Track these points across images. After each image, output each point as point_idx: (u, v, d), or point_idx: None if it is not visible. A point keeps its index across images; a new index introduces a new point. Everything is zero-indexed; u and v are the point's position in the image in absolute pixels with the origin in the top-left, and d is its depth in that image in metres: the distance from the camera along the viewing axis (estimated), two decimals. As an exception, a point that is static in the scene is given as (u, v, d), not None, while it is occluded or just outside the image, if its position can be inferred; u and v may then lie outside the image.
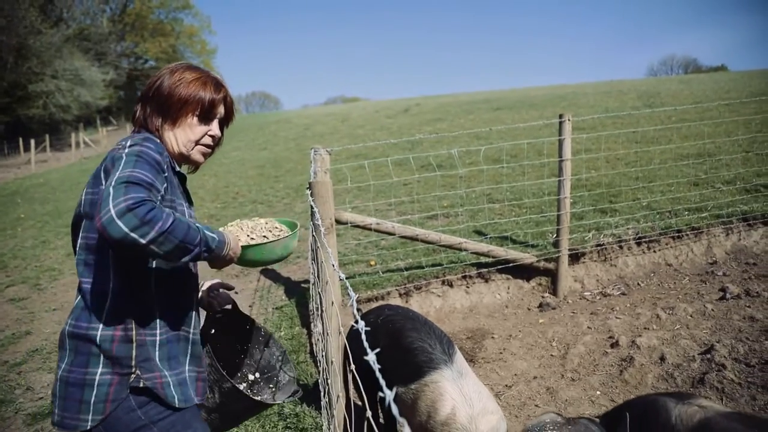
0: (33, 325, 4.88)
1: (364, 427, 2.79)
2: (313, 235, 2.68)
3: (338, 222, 4.18)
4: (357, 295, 1.11)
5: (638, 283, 5.14)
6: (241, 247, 1.55)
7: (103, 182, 1.41)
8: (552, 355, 4.02)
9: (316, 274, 2.49)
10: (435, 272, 5.11)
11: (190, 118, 1.56)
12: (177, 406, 1.46)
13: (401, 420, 0.68)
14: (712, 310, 4.25)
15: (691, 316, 4.24)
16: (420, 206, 7.12)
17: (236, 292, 1.87)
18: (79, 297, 1.46)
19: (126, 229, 1.17)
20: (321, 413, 2.90)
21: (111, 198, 1.20)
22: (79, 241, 1.47)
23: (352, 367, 1.22)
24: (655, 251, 5.49)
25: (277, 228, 1.73)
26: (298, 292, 5.06)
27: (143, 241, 1.20)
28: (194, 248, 1.32)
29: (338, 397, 1.77)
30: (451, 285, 5.14)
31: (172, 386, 1.47)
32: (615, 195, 6.56)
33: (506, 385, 3.67)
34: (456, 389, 2.21)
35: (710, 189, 6.38)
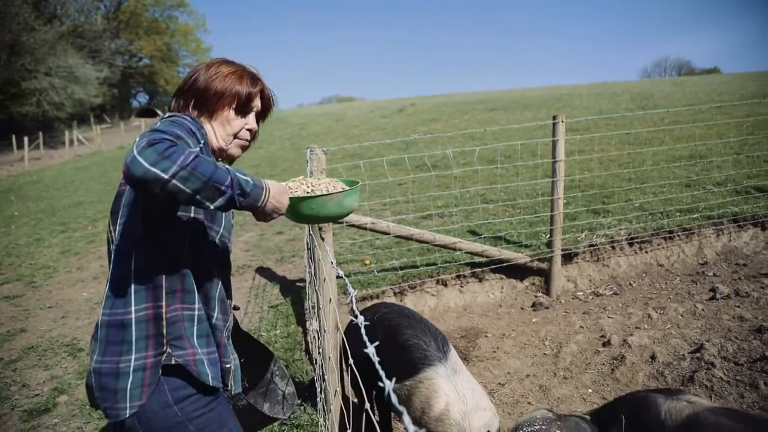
0: (28, 323, 4.89)
1: (361, 422, 2.83)
2: (310, 234, 2.71)
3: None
4: (355, 292, 1.14)
5: (630, 283, 5.20)
6: (291, 199, 1.45)
7: None
8: (545, 354, 4.07)
9: (313, 272, 2.52)
10: (429, 271, 5.15)
11: (226, 111, 1.57)
12: (210, 384, 1.45)
13: (401, 408, 0.72)
14: (703, 309, 4.31)
15: (681, 315, 4.30)
16: (415, 206, 7.16)
17: (237, 308, 1.86)
18: (112, 285, 1.44)
19: (146, 164, 1.16)
20: (317, 410, 2.94)
21: (135, 144, 1.20)
22: (117, 228, 1.45)
23: (351, 361, 1.25)
24: (647, 252, 5.56)
25: (339, 188, 1.56)
26: (293, 291, 5.09)
27: (165, 176, 1.16)
28: (226, 189, 1.25)
29: (336, 392, 1.80)
30: (445, 284, 5.19)
31: (205, 364, 1.46)
32: (608, 196, 6.63)
33: (499, 383, 3.72)
34: (450, 386, 2.25)
35: (701, 190, 6.45)
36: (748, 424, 1.73)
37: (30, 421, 3.26)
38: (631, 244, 5.52)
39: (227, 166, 1.32)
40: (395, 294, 5.00)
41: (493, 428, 2.14)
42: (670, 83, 27.29)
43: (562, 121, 4.88)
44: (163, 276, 1.43)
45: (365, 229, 4.58)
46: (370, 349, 0.89)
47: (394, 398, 0.77)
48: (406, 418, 0.72)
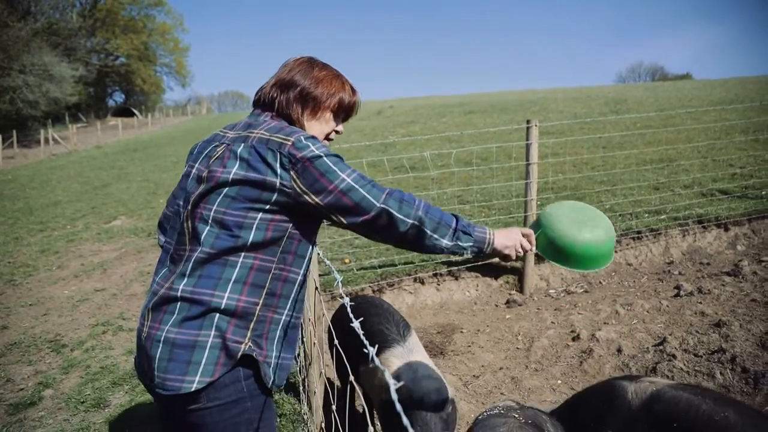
0: (9, 320, 4.92)
1: (341, 409, 2.97)
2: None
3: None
4: (341, 277, 1.27)
5: (600, 282, 5.42)
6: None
7: (264, 168, 1.45)
8: (517, 348, 4.25)
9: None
10: (407, 270, 5.30)
11: (328, 113, 1.67)
12: (268, 386, 1.51)
13: (382, 368, 0.86)
14: (667, 306, 4.54)
15: (647, 311, 4.51)
16: (393, 207, 7.30)
17: None
18: (201, 263, 1.46)
19: (400, 216, 1.46)
20: (299, 400, 3.07)
21: (370, 196, 1.45)
22: (212, 213, 1.47)
23: (336, 342, 1.38)
24: (616, 251, 5.78)
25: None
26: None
27: (408, 228, 1.49)
28: (445, 240, 1.55)
29: (321, 373, 1.94)
30: (422, 282, 5.35)
31: (272, 367, 1.52)
32: (580, 198, 6.85)
33: (474, 376, 3.88)
34: (402, 361, 2.43)
35: (669, 193, 6.72)
36: (702, 395, 1.92)
37: (16, 414, 3.32)
38: (601, 244, 5.73)
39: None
40: (374, 292, 5.14)
41: (440, 395, 2.28)
42: (643, 88, 27.92)
43: (536, 125, 5.08)
44: (269, 277, 1.49)
45: (345, 228, 4.71)
46: (355, 324, 1.03)
47: (376, 360, 0.90)
48: (387, 375, 0.85)
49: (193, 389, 1.39)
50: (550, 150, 9.86)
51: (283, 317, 1.53)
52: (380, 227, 1.48)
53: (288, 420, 2.96)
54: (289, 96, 1.62)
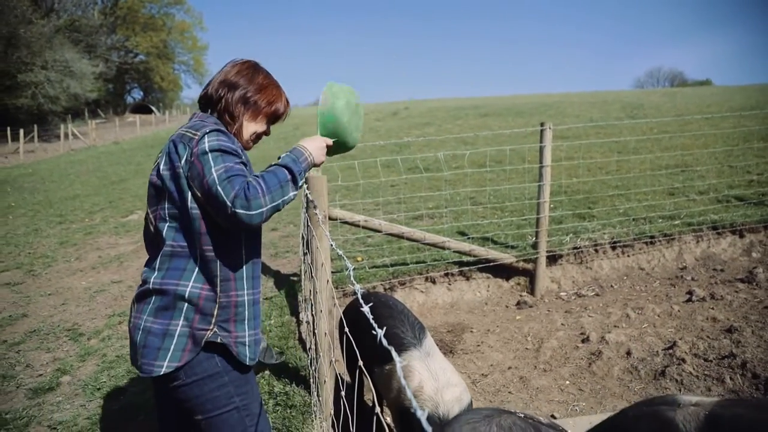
0: (29, 308, 5.03)
1: (350, 402, 3.01)
2: (307, 226, 2.89)
3: (329, 218, 4.39)
4: (353, 267, 1.32)
5: (611, 285, 5.42)
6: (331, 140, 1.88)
7: (177, 162, 1.61)
8: (526, 349, 4.27)
9: (309, 261, 2.70)
10: (419, 269, 5.34)
11: (264, 117, 1.84)
12: (247, 363, 1.69)
13: (394, 354, 0.90)
14: (678, 311, 4.53)
15: (658, 316, 4.51)
16: (406, 207, 7.36)
17: None
18: (168, 257, 1.64)
19: (251, 214, 1.50)
20: (309, 392, 3.12)
21: (225, 193, 1.51)
22: (166, 210, 1.64)
23: (346, 329, 1.43)
24: (629, 256, 5.77)
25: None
26: (287, 284, 5.26)
27: (264, 215, 1.53)
28: (290, 182, 1.62)
29: (331, 363, 1.99)
30: (433, 282, 5.38)
31: (246, 345, 1.70)
32: (594, 201, 6.85)
33: (482, 374, 3.92)
34: (423, 366, 2.47)
35: (684, 198, 6.69)
36: (755, 408, 1.86)
37: (35, 398, 3.41)
38: (613, 248, 5.73)
39: (279, 158, 1.68)
40: (385, 290, 5.18)
41: (464, 403, 2.33)
42: (660, 94, 27.68)
43: (550, 128, 5.09)
44: (220, 264, 1.64)
45: (358, 226, 4.76)
46: (365, 309, 1.07)
47: (384, 342, 0.95)
48: (396, 358, 0.89)
49: (162, 373, 1.57)
50: (565, 153, 9.85)
51: (246, 298, 1.69)
52: (243, 224, 1.54)
53: (298, 411, 3.01)
54: (234, 95, 1.78)
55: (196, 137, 1.60)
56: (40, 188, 13.72)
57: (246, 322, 1.71)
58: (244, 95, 1.79)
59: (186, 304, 1.61)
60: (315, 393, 2.42)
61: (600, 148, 10.76)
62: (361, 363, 1.45)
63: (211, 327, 1.63)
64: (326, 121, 1.90)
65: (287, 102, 1.92)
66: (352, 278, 1.29)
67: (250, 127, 1.83)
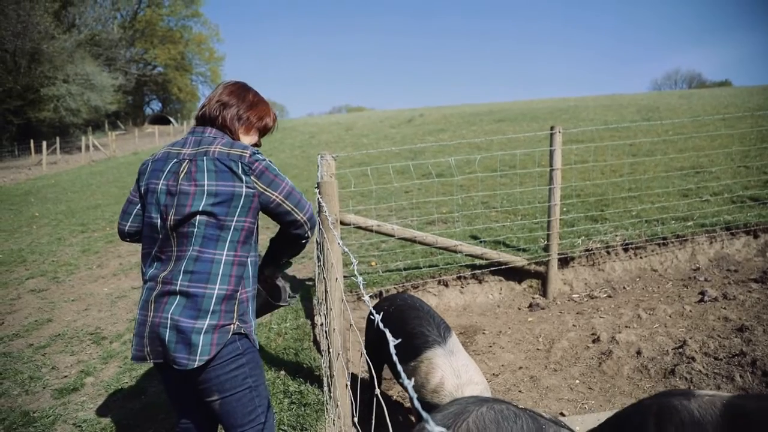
0: (54, 314, 5.21)
1: (366, 399, 3.09)
2: (320, 230, 3.00)
3: (342, 223, 4.49)
4: (357, 261, 1.41)
5: (624, 287, 5.44)
6: None
7: (234, 177, 1.88)
8: (538, 349, 4.32)
9: (322, 262, 2.80)
10: (431, 273, 5.42)
11: (256, 131, 2.13)
12: (257, 347, 1.98)
13: (388, 334, 0.99)
14: (690, 311, 4.55)
15: (669, 316, 4.53)
16: (420, 212, 7.44)
17: None
18: (193, 261, 1.83)
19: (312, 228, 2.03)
20: (323, 391, 3.21)
21: (302, 208, 1.98)
22: (198, 218, 1.84)
23: (377, 320, 1.51)
24: (641, 257, 5.79)
25: None
26: (302, 288, 5.37)
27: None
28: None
29: (338, 355, 2.08)
30: (446, 285, 5.45)
31: (254, 332, 1.97)
32: (606, 204, 6.87)
33: (494, 374, 3.98)
34: (446, 363, 2.54)
35: (697, 199, 6.68)
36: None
37: (60, 398, 3.56)
38: (626, 250, 5.75)
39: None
40: (399, 293, 5.26)
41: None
42: (677, 96, 27.48)
43: (559, 132, 5.15)
44: (244, 268, 1.91)
45: (372, 230, 4.85)
46: (377, 317, 1.16)
47: (391, 340, 1.03)
48: (407, 383, 0.94)
49: (196, 365, 1.77)
50: (579, 157, 9.86)
51: (250, 294, 1.95)
52: (299, 225, 2.00)
53: (312, 409, 3.11)
54: (229, 113, 2.03)
55: (247, 153, 1.90)
56: (62, 198, 14.05)
57: (252, 313, 1.96)
58: (237, 112, 2.05)
59: (212, 305, 1.81)
60: (328, 390, 2.51)
61: (614, 150, 10.75)
62: (364, 350, 1.54)
63: (234, 321, 1.85)
64: None
65: (275, 117, 2.21)
66: (356, 271, 1.38)
67: (246, 140, 2.10)
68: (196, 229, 1.83)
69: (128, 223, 2.04)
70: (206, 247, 1.83)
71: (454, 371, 2.51)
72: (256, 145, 2.14)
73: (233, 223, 1.86)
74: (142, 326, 1.86)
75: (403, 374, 0.87)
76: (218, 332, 1.81)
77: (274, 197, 1.92)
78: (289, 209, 1.95)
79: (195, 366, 1.77)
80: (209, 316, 1.80)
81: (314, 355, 3.78)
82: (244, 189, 1.86)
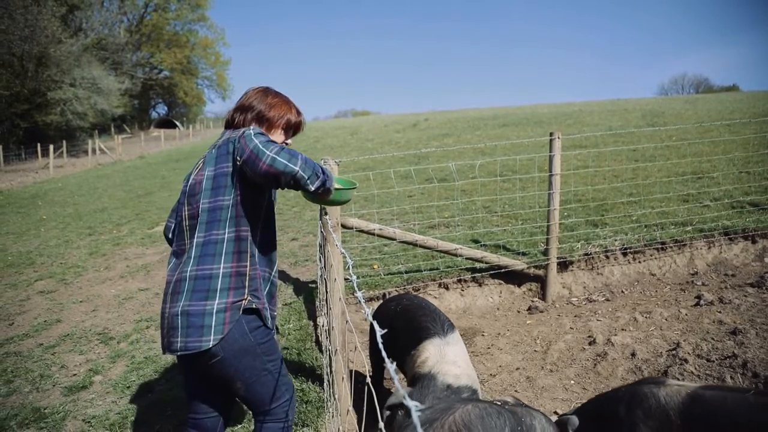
0: (62, 314, 5.33)
1: (368, 394, 3.18)
2: (321, 232, 3.10)
3: (344, 227, 4.59)
4: (363, 291, 1.51)
5: (622, 291, 5.52)
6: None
7: (226, 158, 1.93)
8: (535, 351, 4.41)
9: (323, 264, 2.91)
10: (432, 276, 5.51)
11: (279, 130, 2.18)
12: (268, 325, 2.01)
13: (387, 360, 1.07)
14: (686, 314, 4.62)
15: (665, 319, 4.61)
16: (422, 216, 7.54)
17: None
18: (200, 246, 1.92)
19: (284, 161, 1.78)
20: (323, 389, 3.31)
21: (263, 147, 1.80)
22: (201, 205, 1.94)
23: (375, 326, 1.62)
24: (640, 262, 5.87)
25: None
26: (305, 291, 5.48)
27: (296, 168, 1.80)
28: (321, 175, 1.87)
29: (336, 351, 2.18)
30: (446, 288, 5.55)
31: (268, 311, 2.02)
32: (607, 209, 6.95)
33: (491, 374, 4.07)
34: (436, 349, 2.69)
35: (697, 205, 6.76)
36: (738, 392, 2.03)
37: (70, 395, 3.67)
38: (624, 254, 5.83)
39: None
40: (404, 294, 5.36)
41: (461, 382, 2.49)
42: (682, 101, 27.49)
43: (558, 137, 5.24)
44: (250, 242, 1.95)
45: (374, 234, 4.95)
46: (375, 323, 1.26)
47: (378, 331, 1.13)
48: (388, 364, 1.03)
49: (210, 346, 1.84)
50: (581, 162, 9.94)
51: (264, 273, 2.00)
52: (273, 175, 1.81)
53: (313, 406, 3.21)
54: (247, 116, 2.12)
55: (239, 133, 1.92)
56: (69, 202, 14.22)
57: (265, 294, 2.01)
58: (258, 114, 2.13)
59: (219, 284, 1.88)
60: (328, 386, 2.61)
61: (617, 156, 10.82)
62: (357, 343, 1.64)
63: (245, 297, 1.91)
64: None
65: (298, 111, 2.23)
66: (351, 272, 1.48)
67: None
68: (202, 217, 1.93)
69: (173, 222, 2.16)
70: (210, 230, 1.92)
71: (441, 354, 2.66)
72: (286, 143, 2.19)
73: (230, 201, 1.92)
74: (162, 319, 1.97)
75: (386, 357, 0.97)
76: (230, 310, 1.87)
77: (239, 162, 1.88)
78: (253, 162, 1.82)
79: (209, 346, 1.82)
80: (218, 294, 1.86)
81: (316, 355, 3.88)
82: (232, 166, 1.92)
